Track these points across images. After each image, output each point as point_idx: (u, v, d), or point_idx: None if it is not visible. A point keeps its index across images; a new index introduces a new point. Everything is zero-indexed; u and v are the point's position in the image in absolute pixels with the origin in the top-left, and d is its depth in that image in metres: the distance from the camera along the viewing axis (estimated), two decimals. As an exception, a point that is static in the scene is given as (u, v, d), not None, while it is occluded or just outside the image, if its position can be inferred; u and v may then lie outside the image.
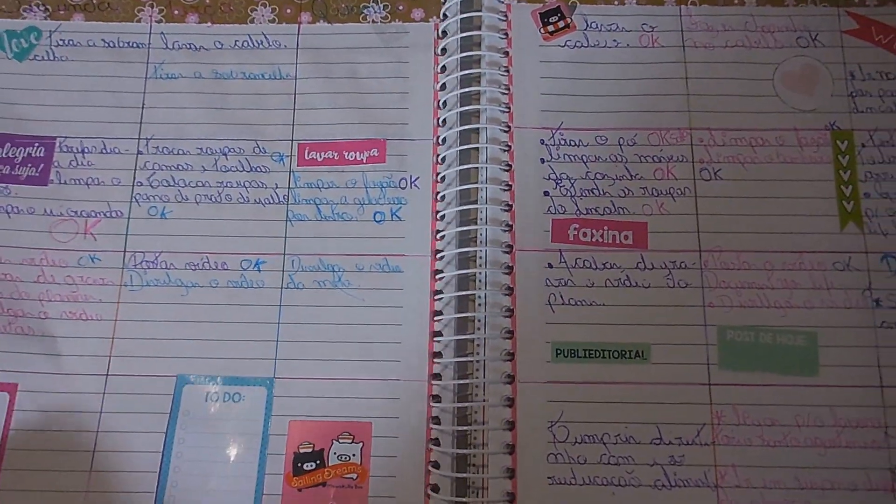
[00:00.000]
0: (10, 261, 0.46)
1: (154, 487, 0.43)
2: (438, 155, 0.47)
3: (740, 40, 0.48)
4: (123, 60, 0.50)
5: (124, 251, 0.47)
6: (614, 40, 0.48)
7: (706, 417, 0.42)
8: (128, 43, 0.50)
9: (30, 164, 0.48)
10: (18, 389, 0.44)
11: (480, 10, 0.49)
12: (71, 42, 0.50)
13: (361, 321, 0.45)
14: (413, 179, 0.47)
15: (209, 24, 0.51)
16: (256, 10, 0.51)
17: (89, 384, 0.44)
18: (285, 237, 0.47)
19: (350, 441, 0.43)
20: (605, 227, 0.45)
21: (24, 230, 0.47)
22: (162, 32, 0.51)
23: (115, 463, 0.43)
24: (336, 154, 0.48)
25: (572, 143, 0.47)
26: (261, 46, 0.50)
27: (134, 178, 0.48)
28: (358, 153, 0.48)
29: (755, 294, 0.44)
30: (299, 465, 0.43)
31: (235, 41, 0.50)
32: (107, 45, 0.50)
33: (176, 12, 0.51)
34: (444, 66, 0.49)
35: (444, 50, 0.49)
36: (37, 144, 0.48)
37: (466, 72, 0.48)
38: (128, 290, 0.46)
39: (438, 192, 0.47)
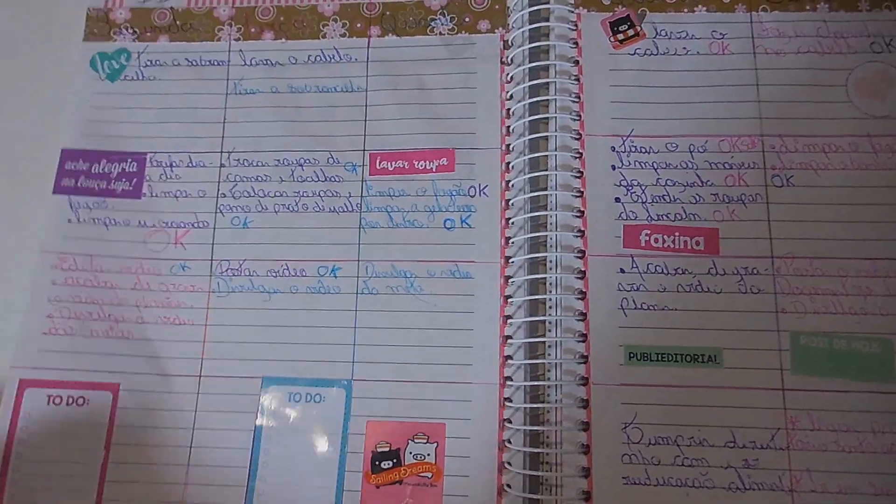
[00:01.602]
0: (109, 269, 0.49)
1: (245, 481, 0.45)
2: (507, 163, 0.48)
3: (812, 46, 0.48)
4: (205, 78, 0.52)
5: (211, 259, 0.49)
6: (684, 48, 0.49)
7: (780, 422, 0.42)
8: (209, 61, 0.53)
9: (124, 179, 0.51)
10: (120, 388, 0.47)
11: (548, 21, 0.50)
12: (157, 62, 0.53)
13: (434, 325, 0.47)
14: (482, 187, 0.49)
15: (284, 40, 0.53)
16: (328, 25, 0.53)
17: (184, 384, 0.47)
18: (359, 244, 0.49)
19: (425, 441, 0.45)
20: (677, 233, 0.46)
21: (121, 241, 0.49)
22: (240, 50, 0.53)
23: (209, 458, 0.46)
24: (406, 163, 0.49)
25: (643, 150, 0.47)
26: (333, 60, 0.52)
27: (218, 190, 0.50)
28: (427, 162, 0.49)
29: (829, 300, 0.44)
30: (377, 463, 0.44)
31: (309, 56, 0.52)
32: (190, 63, 0.53)
33: (253, 30, 0.53)
34: (510, 76, 0.50)
35: (510, 60, 0.50)
36: (129, 160, 0.51)
37: (535, 81, 0.49)
38: (216, 296, 0.48)
39: (507, 200, 0.48)
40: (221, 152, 0.51)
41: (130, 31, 0.54)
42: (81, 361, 0.47)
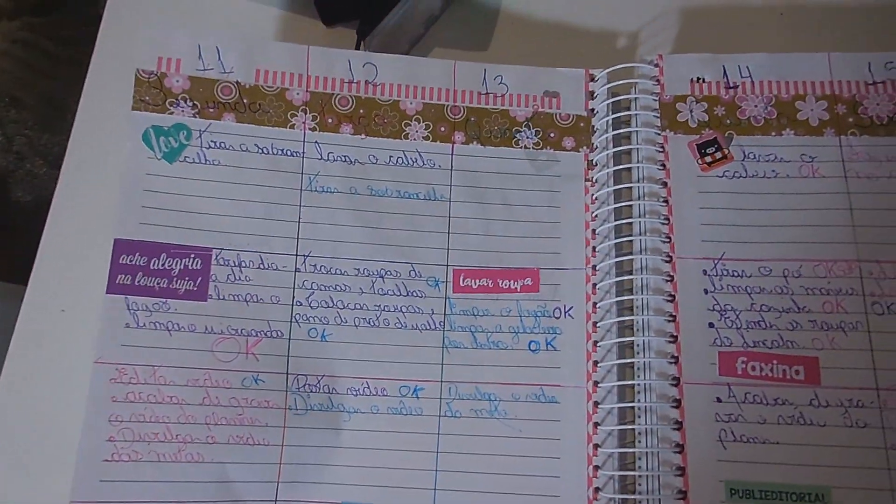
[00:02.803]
0: (174, 382, 0.45)
1: None
2: (592, 283, 0.47)
3: (905, 170, 0.47)
4: (278, 169, 0.48)
5: (286, 373, 0.47)
6: (773, 170, 0.48)
7: (897, 569, 0.40)
8: (282, 150, 0.49)
9: (187, 278, 0.46)
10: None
11: (631, 142, 0.50)
12: (223, 145, 0.48)
13: (519, 452, 0.45)
14: (567, 309, 0.48)
15: (363, 136, 0.50)
16: (410, 125, 0.51)
17: (260, 512, 0.44)
18: (442, 364, 0.47)
19: (509, 578, 0.42)
20: (774, 361, 0.44)
21: (186, 349, 0.45)
22: (316, 142, 0.49)
23: None
24: (490, 282, 0.49)
25: (735, 274, 0.46)
26: (415, 164, 0.50)
27: (293, 297, 0.48)
28: (512, 281, 0.49)
29: (941, 436, 0.42)
30: None
31: (390, 157, 0.50)
32: (260, 150, 0.49)
33: (330, 121, 0.50)
34: (595, 196, 0.49)
35: (595, 180, 0.50)
36: (193, 256, 0.46)
37: (621, 203, 0.48)
38: (292, 413, 0.46)
39: (594, 322, 0.47)
40: (297, 255, 0.48)
41: (189, 103, 0.48)
42: (147, 491, 0.43)
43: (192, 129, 0.48)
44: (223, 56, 0.49)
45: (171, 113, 0.48)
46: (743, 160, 0.49)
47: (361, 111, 0.50)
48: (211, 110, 0.49)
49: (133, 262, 0.45)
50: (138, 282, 0.45)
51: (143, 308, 0.45)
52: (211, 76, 0.49)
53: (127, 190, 0.47)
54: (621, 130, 0.50)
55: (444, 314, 0.48)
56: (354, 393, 0.47)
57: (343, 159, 0.49)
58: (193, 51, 0.49)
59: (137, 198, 0.47)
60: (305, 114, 0.50)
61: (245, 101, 0.49)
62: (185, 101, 0.49)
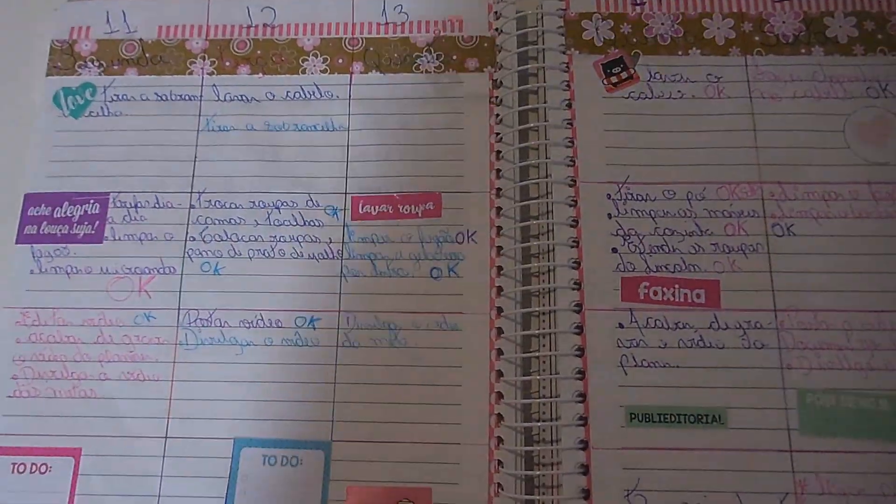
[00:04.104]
0: (71, 322, 0.46)
1: (214, 555, 0.41)
2: (496, 207, 0.46)
3: (809, 91, 0.47)
4: (176, 114, 0.49)
5: (178, 309, 0.46)
6: (679, 91, 0.47)
7: (789, 486, 0.40)
8: (180, 96, 0.50)
9: (86, 222, 0.47)
10: (82, 454, 0.43)
11: (537, 61, 0.48)
12: (125, 97, 0.50)
13: (419, 381, 0.44)
14: (470, 234, 0.46)
15: (260, 75, 0.50)
16: (308, 60, 0.50)
17: (149, 447, 0.43)
18: (340, 293, 0.46)
19: (410, 508, 0.41)
20: (677, 286, 0.44)
21: (83, 290, 0.46)
22: (214, 84, 0.50)
23: (176, 529, 0.42)
24: (391, 208, 0.47)
25: (639, 198, 0.45)
26: (313, 97, 0.49)
27: (187, 233, 0.47)
28: (413, 206, 0.47)
29: (834, 355, 0.43)
30: (359, 532, 0.41)
31: (287, 92, 0.50)
32: (159, 98, 0.50)
33: (227, 64, 0.50)
34: (500, 117, 0.47)
35: (500, 100, 0.48)
36: (92, 201, 0.48)
37: (526, 125, 0.47)
38: (183, 349, 0.45)
39: (498, 247, 0.45)
40: (191, 192, 0.48)
41: (96, 64, 0.51)
42: (45, 426, 0.44)
43: (98, 86, 0.50)
44: (128, 18, 0.51)
45: (80, 74, 0.50)
46: (649, 80, 0.47)
47: (259, 52, 0.50)
48: (115, 67, 0.50)
49: (39, 214, 0.47)
50: (42, 231, 0.47)
51: (45, 255, 0.47)
52: (116, 37, 0.51)
53: (37, 147, 0.49)
54: (526, 47, 0.48)
55: (343, 242, 0.46)
56: (248, 326, 0.45)
57: (240, 98, 0.50)
58: (102, 17, 0.52)
59: (46, 154, 0.49)
60: (204, 60, 0.50)
61: (147, 55, 0.51)
62: (93, 63, 0.51)
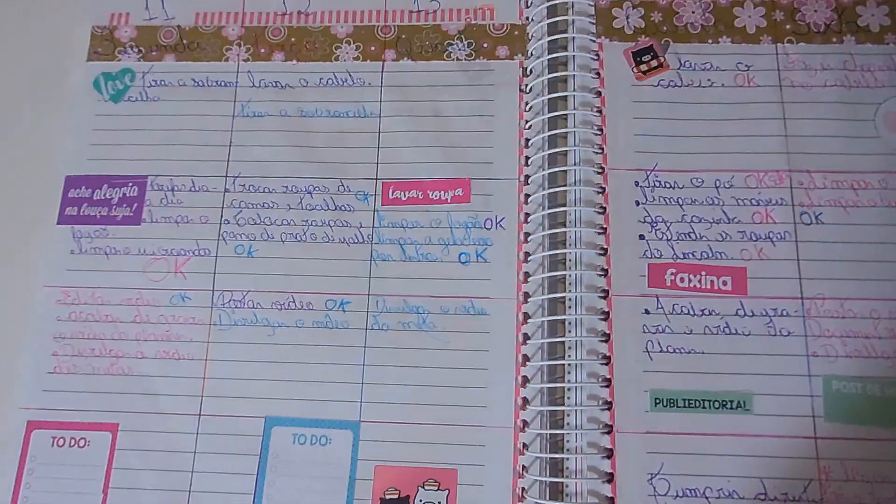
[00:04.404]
0: (109, 302, 0.47)
1: (246, 530, 0.42)
2: (525, 194, 0.46)
3: (839, 80, 0.47)
4: (211, 99, 0.50)
5: (213, 290, 0.47)
6: (709, 80, 0.47)
7: (813, 472, 0.41)
8: (216, 82, 0.51)
9: (125, 205, 0.49)
10: (119, 429, 0.45)
11: (567, 49, 0.48)
12: (162, 82, 0.51)
13: (446, 365, 0.45)
14: (498, 220, 0.47)
15: (294, 62, 0.51)
16: (341, 47, 0.51)
17: (183, 424, 0.44)
18: (370, 277, 0.46)
19: (435, 488, 0.42)
20: (703, 273, 0.44)
21: (121, 270, 0.47)
22: (249, 71, 0.51)
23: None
24: (420, 193, 0.47)
25: (667, 186, 0.45)
26: (345, 84, 0.50)
27: (221, 217, 0.48)
28: (442, 192, 0.47)
29: (861, 344, 0.43)
30: (386, 510, 0.42)
31: (320, 79, 0.50)
32: (196, 84, 0.51)
33: (262, 51, 0.51)
34: (529, 105, 0.48)
35: (529, 88, 0.48)
36: (131, 184, 0.49)
37: (555, 113, 0.47)
38: (217, 329, 0.46)
39: (525, 233, 0.46)
40: (226, 177, 0.49)
41: (136, 50, 0.52)
42: (84, 401, 0.45)
43: (137, 72, 0.51)
44: (166, 5, 0.53)
45: (119, 60, 0.52)
46: (679, 69, 0.47)
47: (293, 39, 0.51)
48: (154, 53, 0.52)
49: (79, 196, 0.49)
50: (83, 212, 0.49)
51: (86, 236, 0.48)
52: (155, 24, 0.53)
53: (77, 131, 0.50)
54: (557, 36, 0.48)
55: (373, 227, 0.47)
56: (279, 307, 0.46)
57: (274, 84, 0.51)
58: (141, 3, 0.53)
59: (86, 137, 0.50)
60: (240, 47, 0.52)
61: (185, 41, 0.52)
62: (132, 49, 0.52)
